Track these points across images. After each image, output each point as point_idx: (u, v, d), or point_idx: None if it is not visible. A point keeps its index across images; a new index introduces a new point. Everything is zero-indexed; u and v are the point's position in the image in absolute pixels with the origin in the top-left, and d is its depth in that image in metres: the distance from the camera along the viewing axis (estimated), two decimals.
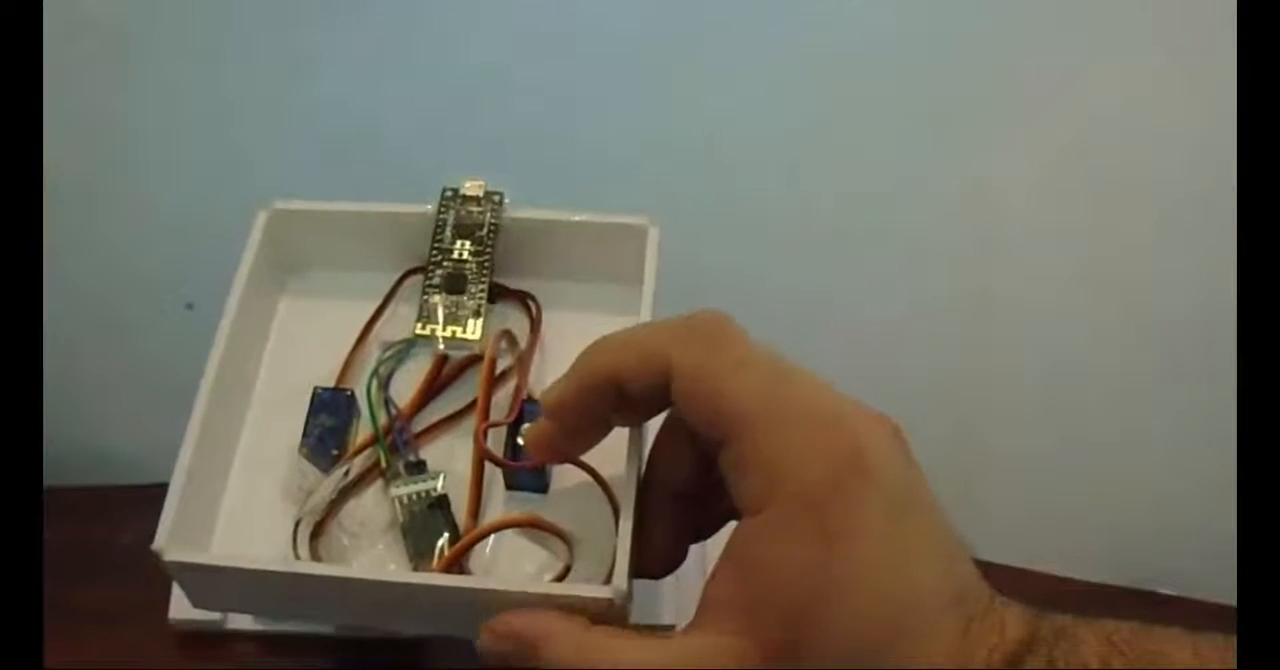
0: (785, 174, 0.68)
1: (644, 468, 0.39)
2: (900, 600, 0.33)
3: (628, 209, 0.45)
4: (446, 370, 0.45)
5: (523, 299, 0.46)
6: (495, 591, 0.37)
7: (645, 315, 0.42)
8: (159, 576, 0.52)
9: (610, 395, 0.37)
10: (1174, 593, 0.60)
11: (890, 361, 0.65)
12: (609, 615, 0.36)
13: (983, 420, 0.65)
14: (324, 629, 0.52)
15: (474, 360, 0.45)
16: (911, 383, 0.64)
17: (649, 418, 0.39)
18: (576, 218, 0.45)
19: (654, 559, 0.39)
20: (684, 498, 0.39)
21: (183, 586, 0.40)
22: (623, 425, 0.39)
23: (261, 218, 0.46)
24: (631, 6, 0.68)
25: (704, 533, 0.40)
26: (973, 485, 0.63)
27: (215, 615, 0.52)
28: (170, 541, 0.38)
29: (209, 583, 0.40)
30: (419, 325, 0.45)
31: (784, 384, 0.35)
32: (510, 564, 0.41)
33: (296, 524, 0.41)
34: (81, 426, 0.63)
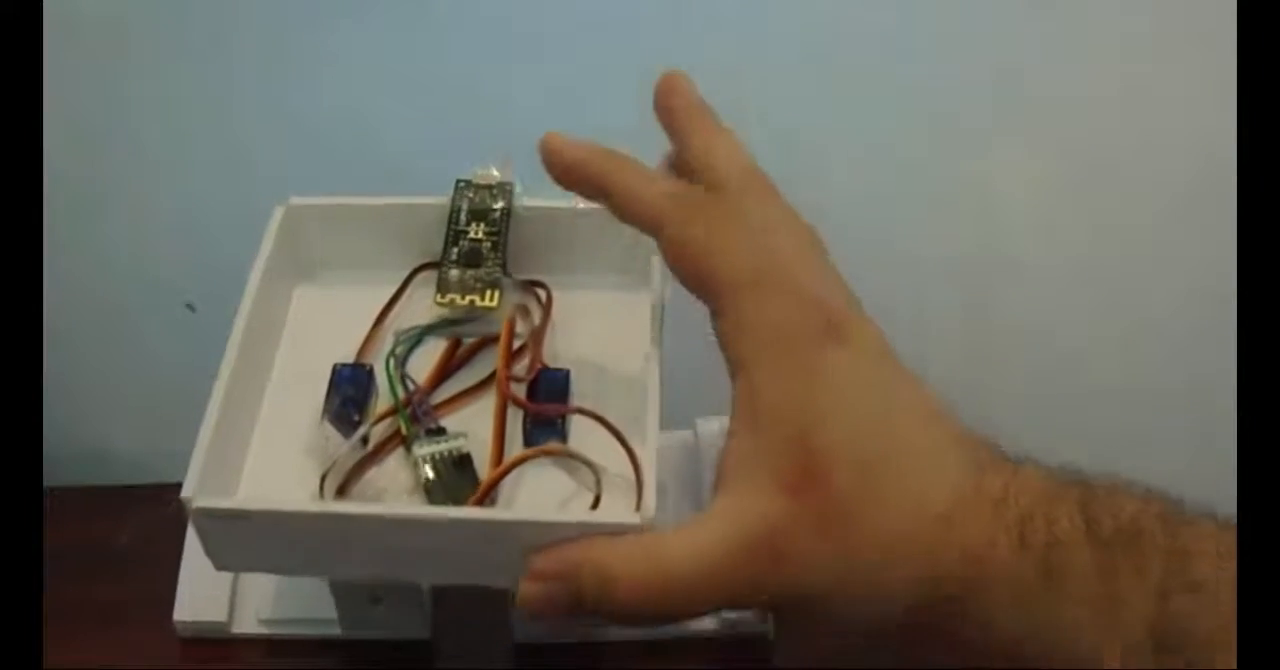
0: (786, 170, 0.67)
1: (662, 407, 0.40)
2: (891, 423, 0.34)
3: None
4: (460, 353, 0.46)
5: (532, 289, 0.47)
6: (528, 522, 0.37)
7: (655, 300, 0.44)
8: (159, 576, 0.53)
9: (598, 196, 0.40)
10: None
11: None
12: None
13: (981, 420, 0.65)
14: (329, 631, 0.51)
15: (486, 343, 0.46)
16: None
17: None
18: (582, 205, 0.46)
19: None
20: None
21: (205, 543, 0.40)
22: None
23: (278, 213, 0.46)
24: (633, 4, 0.68)
25: None
26: None
27: (220, 617, 0.52)
28: (198, 491, 0.38)
29: (234, 533, 0.39)
30: (438, 296, 0.46)
31: (770, 256, 0.37)
32: (538, 501, 0.42)
33: (323, 477, 0.41)
34: (81, 426, 0.63)
